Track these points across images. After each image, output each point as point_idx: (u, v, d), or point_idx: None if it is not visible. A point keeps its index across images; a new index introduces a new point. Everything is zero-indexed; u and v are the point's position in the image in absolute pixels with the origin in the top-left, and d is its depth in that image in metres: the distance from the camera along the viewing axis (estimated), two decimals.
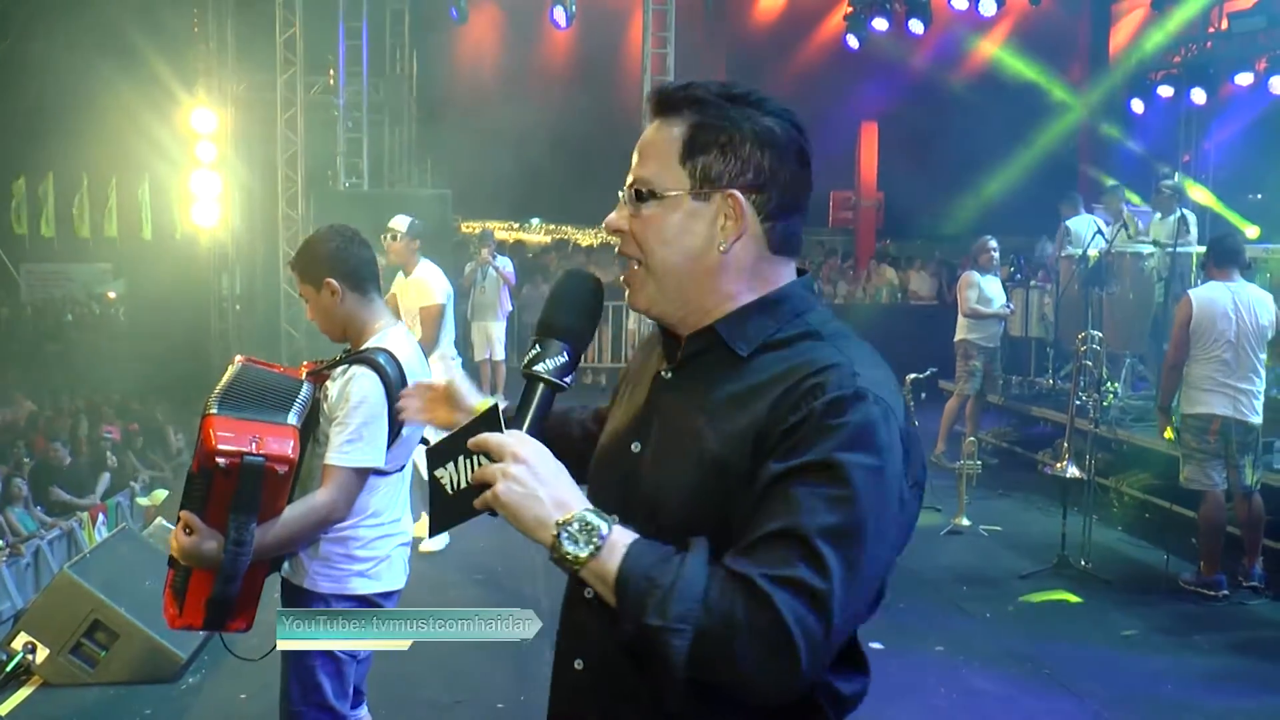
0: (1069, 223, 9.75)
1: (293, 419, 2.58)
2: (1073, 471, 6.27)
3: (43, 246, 16.93)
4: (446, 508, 1.43)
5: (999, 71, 14.89)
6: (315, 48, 12.01)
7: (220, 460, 2.42)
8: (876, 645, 4.81)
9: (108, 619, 4.46)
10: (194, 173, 11.81)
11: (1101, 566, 6.05)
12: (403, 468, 2.92)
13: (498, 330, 10.38)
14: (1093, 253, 8.51)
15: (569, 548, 1.28)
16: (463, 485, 1.39)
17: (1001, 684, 4.69)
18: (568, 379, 1.45)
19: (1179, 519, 6.60)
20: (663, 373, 1.48)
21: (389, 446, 2.75)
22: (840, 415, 1.27)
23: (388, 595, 2.87)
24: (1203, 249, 7.63)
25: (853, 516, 1.25)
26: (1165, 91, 13.33)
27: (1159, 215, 8.90)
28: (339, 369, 2.79)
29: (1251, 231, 11.92)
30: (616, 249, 1.49)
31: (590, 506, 1.32)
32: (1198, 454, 5.77)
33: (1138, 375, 8.93)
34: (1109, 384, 8.08)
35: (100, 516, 7.78)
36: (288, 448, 2.51)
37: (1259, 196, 13.44)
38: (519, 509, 1.30)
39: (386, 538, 2.86)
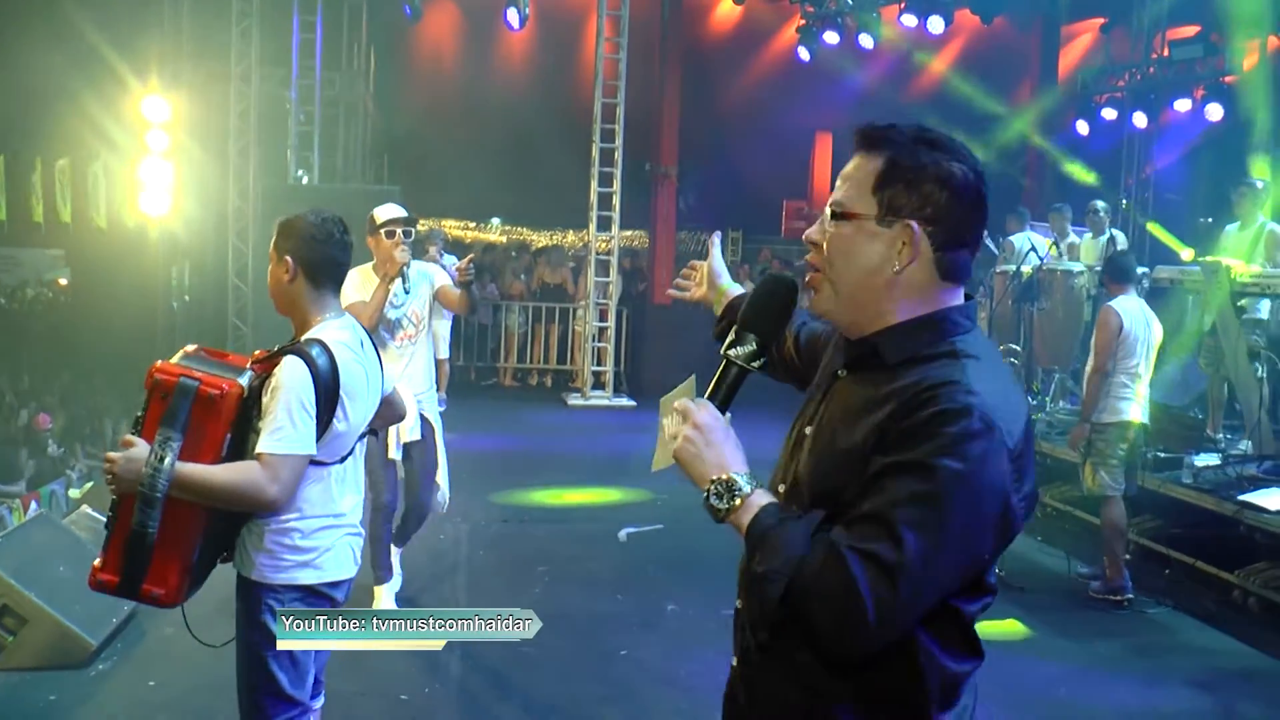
0: (1011, 238, 9.95)
1: (244, 381, 2.73)
2: None
3: None
4: (658, 450, 1.81)
5: (950, 88, 15.09)
6: (271, 40, 11.99)
7: (158, 376, 2.64)
8: None
9: (16, 604, 4.43)
10: (145, 161, 11.71)
11: (1016, 575, 6.18)
12: (343, 460, 2.90)
13: (443, 328, 10.39)
14: (1026, 269, 8.72)
15: (713, 501, 1.61)
16: (667, 435, 1.72)
17: None
18: (754, 364, 1.74)
19: (1094, 528, 6.79)
20: (838, 371, 1.73)
21: (320, 437, 2.75)
22: (943, 425, 1.49)
23: (335, 585, 2.88)
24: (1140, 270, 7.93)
25: (933, 511, 1.47)
26: (1109, 114, 13.65)
27: (1090, 234, 9.13)
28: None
29: (1186, 254, 12.19)
30: (806, 257, 1.72)
31: (744, 471, 1.62)
32: (1111, 461, 6.00)
33: (1068, 390, 9.14)
34: (1037, 398, 8.24)
35: (33, 505, 7.74)
36: (224, 383, 2.67)
37: (1209, 220, 13.73)
38: (688, 465, 1.64)
39: (329, 529, 2.85)
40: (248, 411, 2.74)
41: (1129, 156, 14.13)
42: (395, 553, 5.33)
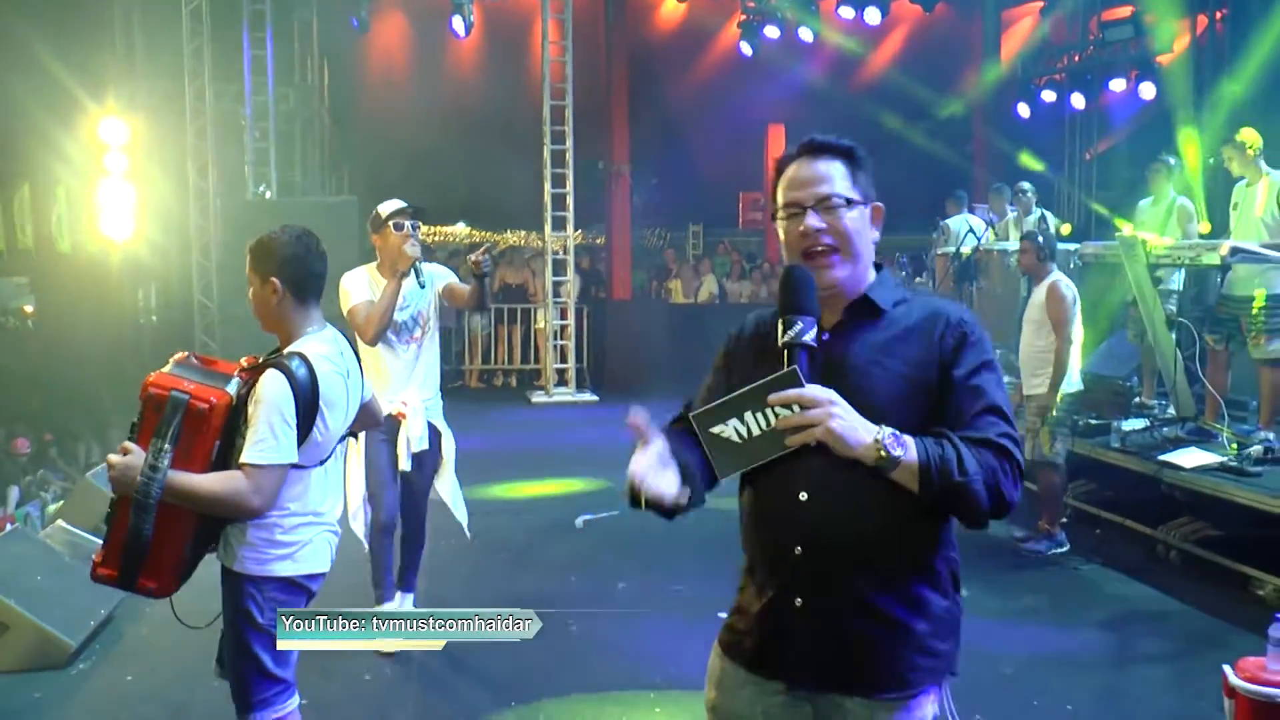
0: (948, 221, 10.30)
1: (231, 389, 2.91)
2: None
3: None
4: (736, 455, 1.88)
5: (896, 76, 15.42)
6: (224, 58, 12.15)
7: (151, 390, 2.84)
8: (724, 615, 5.21)
9: None
10: (104, 183, 11.79)
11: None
12: (323, 463, 3.07)
13: None
14: (965, 249, 9.07)
15: (888, 452, 1.86)
16: (755, 433, 1.86)
17: None
18: (816, 344, 1.97)
19: (1029, 493, 7.14)
20: (823, 335, 2.02)
21: (300, 444, 2.92)
22: (977, 334, 2.03)
23: (311, 577, 3.08)
24: (1072, 246, 8.30)
25: (1005, 391, 2.01)
26: (1048, 96, 14.00)
27: (1019, 214, 9.50)
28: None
29: (1128, 229, 12.55)
30: (809, 248, 2.04)
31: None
32: (1064, 427, 6.45)
33: (1013, 366, 9.46)
34: None
35: (8, 526, 7.92)
36: (213, 394, 2.86)
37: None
38: (845, 435, 1.85)
39: (307, 525, 3.04)
40: (236, 418, 2.92)
41: (1071, 137, 14.52)
42: (408, 598, 5.01)
